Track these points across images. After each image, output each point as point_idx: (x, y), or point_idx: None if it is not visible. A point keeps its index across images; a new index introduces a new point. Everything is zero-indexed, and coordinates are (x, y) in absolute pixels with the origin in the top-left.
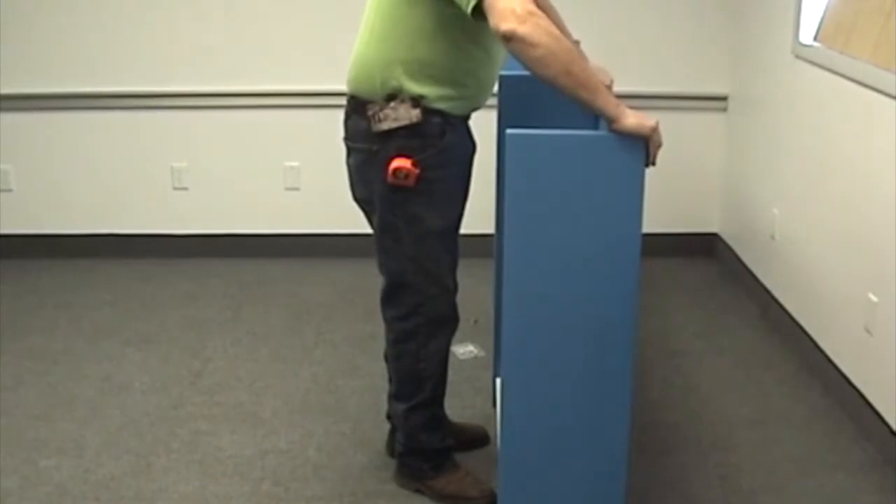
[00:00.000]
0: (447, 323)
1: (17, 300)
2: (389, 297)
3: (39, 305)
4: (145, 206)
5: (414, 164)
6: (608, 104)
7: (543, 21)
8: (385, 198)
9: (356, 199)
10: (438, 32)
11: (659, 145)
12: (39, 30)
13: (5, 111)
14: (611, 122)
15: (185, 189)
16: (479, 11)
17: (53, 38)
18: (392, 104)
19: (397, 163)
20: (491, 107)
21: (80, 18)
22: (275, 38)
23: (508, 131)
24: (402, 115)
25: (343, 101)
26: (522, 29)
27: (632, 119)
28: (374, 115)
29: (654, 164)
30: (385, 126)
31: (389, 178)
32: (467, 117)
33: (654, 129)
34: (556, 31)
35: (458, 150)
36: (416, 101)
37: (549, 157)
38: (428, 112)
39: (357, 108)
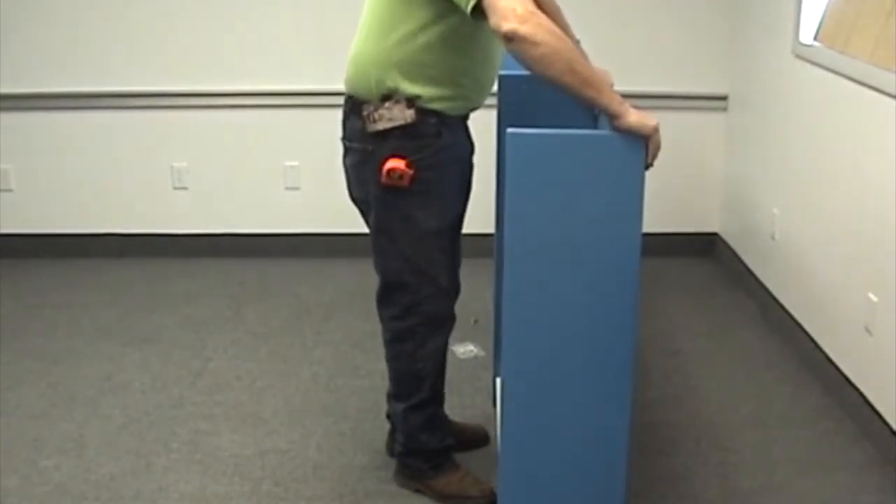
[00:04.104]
0: (444, 322)
1: (17, 300)
2: (385, 297)
3: (39, 305)
4: (145, 206)
5: (408, 165)
6: (612, 101)
7: (544, 20)
8: (380, 198)
9: (353, 199)
10: (434, 32)
11: (658, 147)
12: (39, 30)
13: (5, 111)
14: (613, 119)
15: (185, 189)
16: (479, 11)
17: (54, 38)
18: (387, 104)
19: (391, 163)
20: (491, 106)
21: (80, 18)
22: (275, 38)
23: (509, 130)
24: (396, 115)
25: (343, 100)
26: (524, 29)
27: (634, 117)
28: (368, 116)
29: (651, 165)
30: (380, 126)
31: (384, 179)
32: (465, 118)
33: (655, 130)
34: (558, 30)
35: (455, 151)
36: (411, 101)
37: (550, 157)
38: (423, 112)
39: (354, 108)
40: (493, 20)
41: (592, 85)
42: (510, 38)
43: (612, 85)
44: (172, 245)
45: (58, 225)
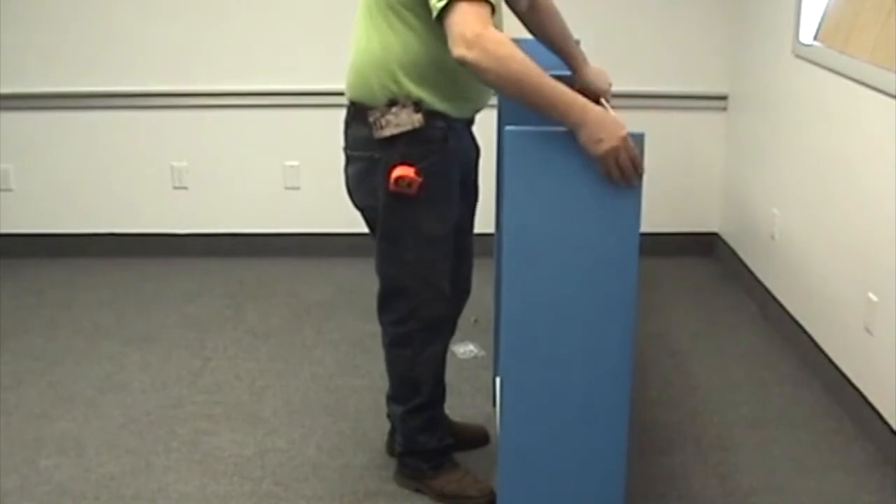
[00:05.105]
0: (443, 328)
1: (17, 300)
2: (385, 302)
3: (39, 305)
4: (145, 206)
5: (416, 173)
6: (565, 116)
7: (492, 44)
8: (387, 206)
9: (357, 208)
10: (429, 34)
11: (621, 162)
12: (39, 29)
13: (5, 111)
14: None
15: (185, 189)
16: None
17: (54, 37)
18: (394, 109)
19: (400, 171)
20: (492, 106)
21: (80, 18)
22: (275, 38)
23: (507, 128)
24: (403, 120)
25: (344, 100)
26: (471, 55)
27: (583, 138)
28: (375, 122)
29: (618, 179)
30: (387, 132)
31: (391, 187)
32: (471, 121)
33: (615, 148)
34: (506, 51)
35: (461, 155)
36: (417, 105)
37: (548, 155)
38: (430, 116)
39: (357, 115)
40: (449, 43)
41: (543, 105)
42: (461, 64)
43: (609, 85)
44: (172, 245)
45: (57, 225)
